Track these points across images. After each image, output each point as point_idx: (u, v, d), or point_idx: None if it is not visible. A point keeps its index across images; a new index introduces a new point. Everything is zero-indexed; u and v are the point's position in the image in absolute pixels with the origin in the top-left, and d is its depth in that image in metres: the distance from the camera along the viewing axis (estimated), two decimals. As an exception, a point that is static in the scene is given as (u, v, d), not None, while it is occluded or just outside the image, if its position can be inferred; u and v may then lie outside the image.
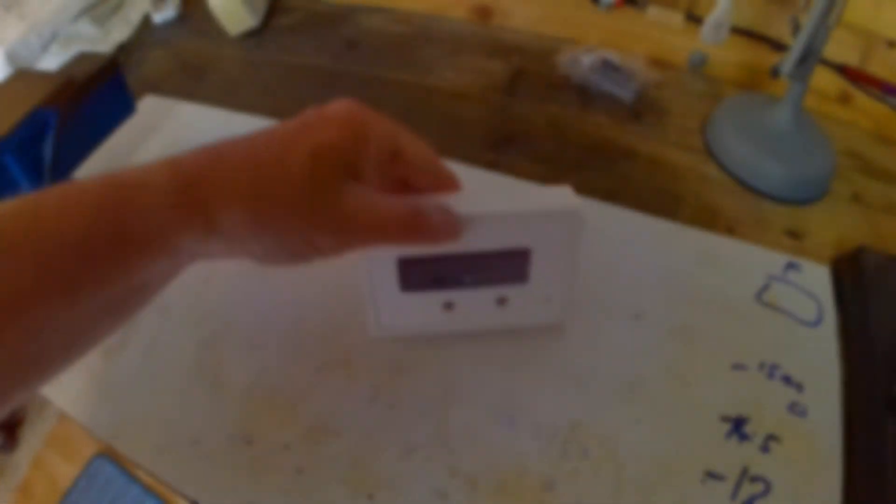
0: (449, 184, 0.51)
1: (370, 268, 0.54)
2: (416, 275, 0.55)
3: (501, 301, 0.58)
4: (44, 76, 0.78)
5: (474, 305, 0.58)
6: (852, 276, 0.70)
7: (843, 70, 0.98)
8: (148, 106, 0.92)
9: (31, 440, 1.96)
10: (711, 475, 0.56)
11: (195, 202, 0.39)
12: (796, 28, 0.78)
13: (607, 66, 0.95)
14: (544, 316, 0.60)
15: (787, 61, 0.79)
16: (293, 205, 0.40)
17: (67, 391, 0.61)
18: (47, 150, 0.74)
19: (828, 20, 0.76)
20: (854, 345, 0.65)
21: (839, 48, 0.98)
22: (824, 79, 0.94)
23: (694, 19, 1.03)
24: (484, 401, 0.59)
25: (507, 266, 0.55)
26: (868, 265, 0.70)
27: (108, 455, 1.88)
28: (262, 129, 0.44)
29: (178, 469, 0.56)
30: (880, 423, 0.58)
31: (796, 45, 0.78)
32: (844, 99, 0.97)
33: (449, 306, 0.58)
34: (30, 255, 0.35)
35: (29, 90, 0.74)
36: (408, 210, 0.45)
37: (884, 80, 0.97)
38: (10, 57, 1.05)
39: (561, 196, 0.54)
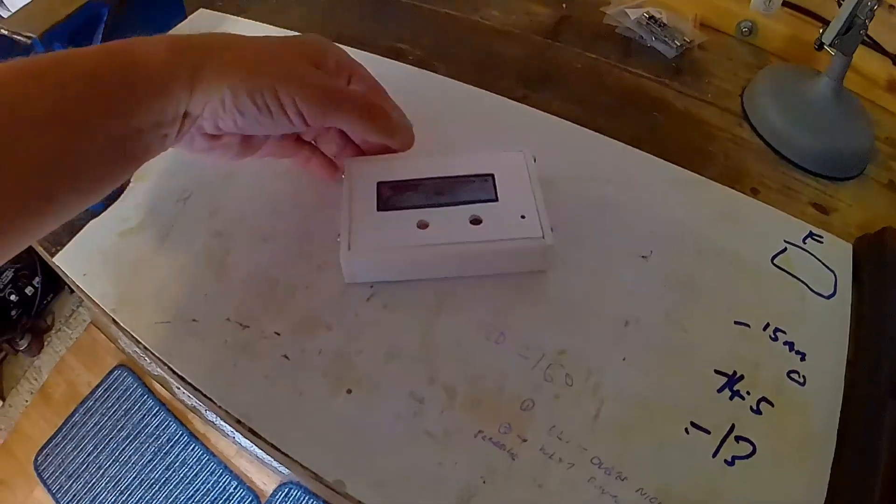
0: (403, 135, 0.61)
1: (351, 188, 0.61)
2: (392, 195, 0.60)
3: (475, 221, 0.58)
4: None
5: (449, 224, 0.58)
6: (874, 256, 0.68)
7: (893, 59, 0.95)
8: (199, 18, 0.93)
9: (57, 345, 2.00)
10: (696, 426, 0.55)
11: (188, 61, 0.47)
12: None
13: (654, 22, 0.93)
14: (524, 231, 0.58)
15: (830, 31, 0.76)
16: (280, 70, 0.50)
17: (80, 262, 0.64)
18: (96, 42, 0.76)
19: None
20: (866, 325, 0.63)
21: (891, 34, 0.95)
22: (875, 64, 0.91)
23: (748, -13, 1.00)
24: (475, 314, 0.59)
25: (477, 188, 0.60)
26: (891, 247, 0.68)
27: (129, 367, 1.91)
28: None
29: (171, 344, 0.58)
30: (880, 409, 0.56)
31: (840, 16, 0.75)
32: (893, 87, 0.94)
33: (424, 225, 0.58)
34: (53, 81, 0.42)
35: None
36: (369, 96, 0.58)
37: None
38: None
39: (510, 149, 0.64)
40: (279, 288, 0.61)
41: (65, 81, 0.42)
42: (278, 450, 0.52)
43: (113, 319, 0.61)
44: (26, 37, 0.74)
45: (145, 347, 0.58)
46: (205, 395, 0.55)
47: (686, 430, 0.55)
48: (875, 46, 0.94)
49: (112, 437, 1.83)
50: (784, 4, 0.97)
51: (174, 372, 0.57)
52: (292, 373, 0.56)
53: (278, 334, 0.58)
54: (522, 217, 0.58)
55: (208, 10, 0.95)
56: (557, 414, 0.54)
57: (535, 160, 0.62)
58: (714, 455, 0.54)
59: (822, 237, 0.69)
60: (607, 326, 0.60)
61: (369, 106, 0.55)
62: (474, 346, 0.58)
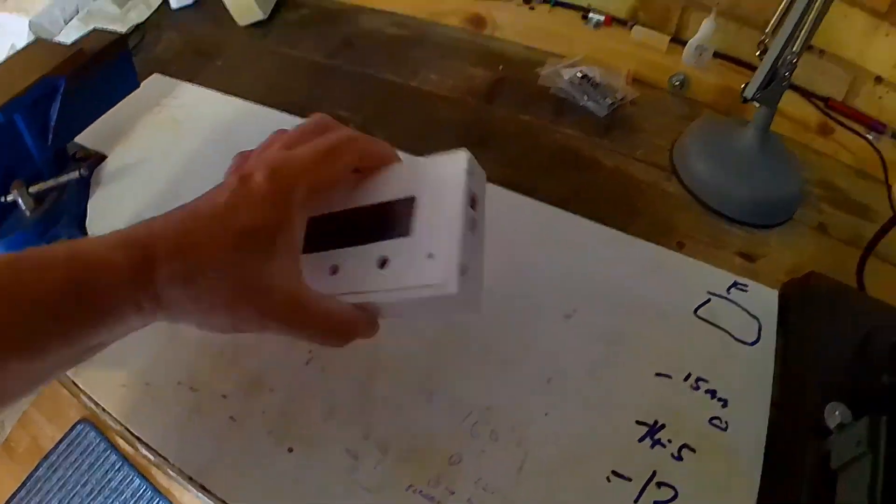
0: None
1: None
2: (314, 233, 0.52)
3: (383, 263, 0.49)
4: (57, 47, 0.86)
5: (357, 267, 0.51)
6: (800, 300, 0.72)
7: (826, 102, 1.00)
8: (152, 83, 0.99)
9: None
10: (617, 474, 0.58)
11: (145, 283, 0.44)
12: (763, 52, 0.81)
13: (586, 81, 0.98)
14: (429, 276, 0.47)
15: (751, 85, 0.81)
16: (224, 285, 0.45)
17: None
18: (53, 113, 0.81)
19: (792, 46, 0.78)
20: (790, 368, 0.66)
21: (826, 80, 1.00)
22: (806, 108, 0.96)
23: (679, 42, 1.06)
24: (407, 374, 0.63)
25: (392, 219, 0.51)
26: (817, 291, 0.72)
27: (92, 421, 1.94)
28: (203, 198, 0.48)
29: (128, 405, 0.63)
30: (802, 448, 0.59)
31: (760, 70, 0.80)
32: (825, 131, 0.99)
33: (335, 270, 0.52)
34: (7, 310, 0.40)
35: (43, 58, 0.83)
36: (335, 320, 0.49)
37: (867, 114, 1.00)
38: (34, 27, 1.13)
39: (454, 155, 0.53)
40: (225, 352, 0.66)
41: (19, 302, 0.41)
42: None
43: (73, 382, 0.66)
44: None
45: (103, 409, 0.63)
46: (160, 455, 0.60)
47: (608, 478, 0.58)
48: (805, 92, 0.99)
49: (76, 493, 1.84)
50: (715, 55, 1.03)
51: (130, 432, 0.61)
52: (239, 432, 0.60)
53: (225, 397, 0.63)
54: (430, 256, 0.47)
55: (161, 76, 1.00)
56: (483, 467, 0.58)
57: (473, 171, 0.53)
58: (636, 501, 0.57)
59: (746, 286, 0.73)
60: (531, 383, 0.63)
61: (337, 325, 0.50)
62: (406, 404, 0.61)
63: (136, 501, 1.83)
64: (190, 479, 0.58)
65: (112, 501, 1.84)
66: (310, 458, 0.58)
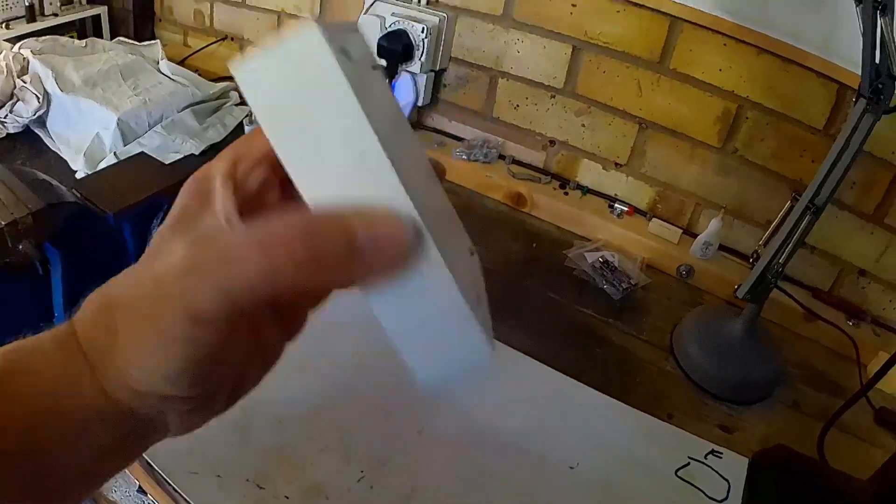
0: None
1: None
2: None
3: None
4: (163, 166, 1.13)
5: None
6: (765, 468, 0.94)
7: (813, 292, 1.25)
8: None
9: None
10: None
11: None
12: (756, 260, 1.06)
13: (606, 266, 1.24)
14: None
15: (743, 287, 1.06)
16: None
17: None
18: (154, 227, 1.01)
19: (779, 257, 1.02)
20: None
21: (815, 272, 1.25)
22: (796, 296, 1.19)
23: (690, 234, 1.32)
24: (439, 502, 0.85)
25: None
26: (780, 461, 0.95)
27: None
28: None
29: (199, 492, 0.80)
30: None
31: (751, 275, 1.04)
32: (810, 317, 1.22)
33: None
34: None
35: (151, 175, 1.07)
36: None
37: (850, 303, 1.24)
38: (122, 125, 1.35)
39: None
40: (291, 461, 0.84)
41: None
42: None
43: (149, 463, 0.79)
44: (101, 210, 1.00)
45: (174, 488, 0.79)
46: None
47: None
48: (795, 282, 1.24)
49: None
50: (720, 248, 1.29)
51: None
52: None
53: (287, 497, 0.81)
54: None
55: None
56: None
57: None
58: None
59: (721, 453, 0.96)
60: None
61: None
62: None
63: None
64: None
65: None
66: None
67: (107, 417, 0.34)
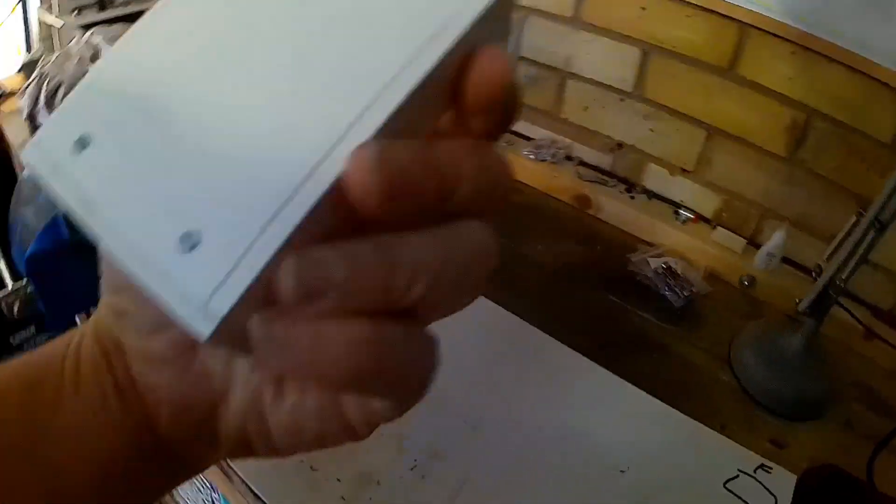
0: None
1: None
2: None
3: None
4: None
5: None
6: (813, 487, 0.95)
7: (873, 310, 1.24)
8: None
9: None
10: None
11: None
12: (818, 274, 1.05)
13: (668, 272, 1.24)
14: None
15: (804, 302, 1.06)
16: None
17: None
18: None
19: (843, 273, 1.02)
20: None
21: (876, 290, 1.24)
22: (857, 314, 1.17)
23: (754, 245, 1.31)
24: (489, 496, 0.86)
25: None
26: (829, 481, 0.96)
27: None
28: None
29: (251, 467, 0.82)
30: None
31: (813, 289, 1.04)
32: (869, 336, 1.21)
33: None
34: None
35: None
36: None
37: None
38: None
39: None
40: (345, 445, 0.89)
41: None
42: None
43: None
44: None
45: (228, 464, 0.82)
46: None
47: None
48: (855, 299, 1.23)
49: None
50: (783, 261, 1.28)
51: (250, 489, 0.80)
52: None
53: (339, 480, 0.84)
54: None
55: None
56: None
57: None
58: None
59: (771, 468, 0.97)
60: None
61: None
62: None
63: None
64: None
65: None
66: None
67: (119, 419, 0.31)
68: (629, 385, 1.05)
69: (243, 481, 0.81)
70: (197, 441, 0.32)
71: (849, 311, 1.13)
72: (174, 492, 2.00)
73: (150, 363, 0.31)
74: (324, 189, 0.21)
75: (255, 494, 0.81)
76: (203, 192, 0.22)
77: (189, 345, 0.30)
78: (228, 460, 0.81)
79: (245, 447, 0.32)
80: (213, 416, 0.31)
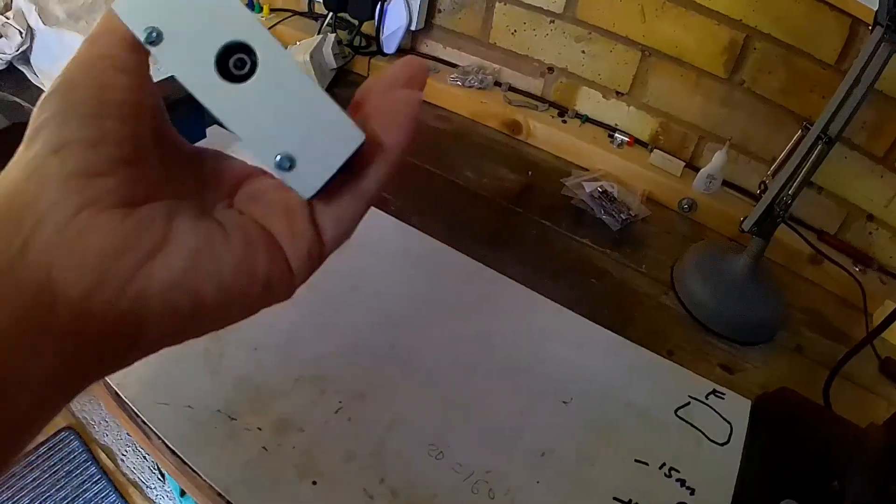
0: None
1: None
2: None
3: None
4: None
5: None
6: (769, 411, 0.88)
7: (819, 234, 1.18)
8: (216, 133, 1.13)
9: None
10: (594, 541, 0.74)
11: None
12: (763, 191, 0.99)
13: (605, 196, 1.16)
14: None
15: (749, 219, 0.99)
16: None
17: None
18: None
19: (788, 189, 0.95)
20: (754, 468, 0.82)
21: (821, 214, 1.19)
22: (800, 239, 1.13)
23: (693, 168, 1.25)
24: (421, 434, 0.78)
25: None
26: (786, 404, 0.89)
27: (76, 431, 2.07)
28: None
29: (169, 422, 0.75)
30: None
31: (758, 206, 0.98)
32: (816, 261, 1.16)
33: None
34: None
35: None
36: None
37: (857, 249, 1.17)
38: None
39: None
40: (264, 391, 0.80)
41: None
42: None
43: (117, 394, 0.76)
44: None
45: (143, 421, 0.75)
46: (192, 470, 0.72)
47: (585, 543, 0.74)
48: (800, 223, 1.17)
49: (49, 496, 1.93)
50: (724, 184, 1.21)
51: (167, 446, 0.73)
52: (268, 462, 0.72)
53: (260, 429, 0.76)
54: None
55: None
56: (481, 522, 0.74)
57: None
58: (607, 566, 0.73)
59: (723, 394, 0.90)
60: (527, 455, 0.79)
61: None
62: (418, 458, 0.77)
63: (109, 517, 1.95)
64: (218, 495, 0.70)
65: (85, 512, 1.96)
66: (330, 492, 0.72)
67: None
68: (569, 312, 0.97)
69: (160, 437, 0.74)
70: (112, 315, 0.29)
71: (796, 231, 1.07)
72: (120, 460, 1.96)
73: (89, 205, 0.28)
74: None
75: (172, 451, 0.74)
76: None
77: (130, 182, 0.30)
78: (144, 418, 0.74)
79: (170, 316, 0.30)
80: (140, 276, 0.29)
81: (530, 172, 1.26)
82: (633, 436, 0.84)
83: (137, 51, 0.31)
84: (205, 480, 0.71)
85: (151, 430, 0.75)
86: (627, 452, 0.82)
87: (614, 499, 0.77)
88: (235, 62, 0.29)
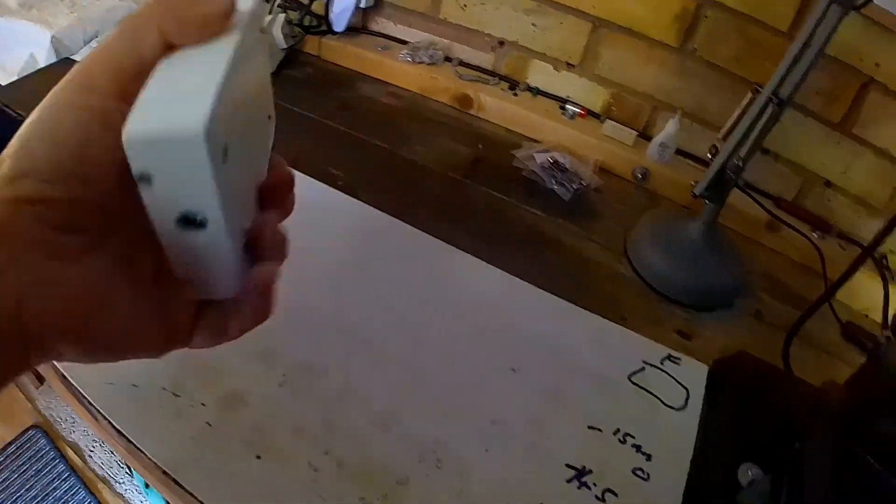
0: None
1: None
2: None
3: None
4: None
5: None
6: (728, 374, 0.86)
7: (776, 202, 1.16)
8: None
9: (-28, 398, 2.10)
10: (546, 509, 0.72)
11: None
12: (714, 154, 0.97)
13: (556, 166, 1.14)
14: None
15: (701, 184, 0.97)
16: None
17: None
18: None
19: (740, 152, 0.93)
20: (712, 432, 0.80)
21: (778, 181, 1.17)
22: (757, 206, 1.12)
23: (646, 138, 1.22)
24: (368, 405, 0.76)
25: None
26: (744, 368, 0.87)
27: (44, 429, 2.03)
28: None
29: (114, 404, 0.73)
30: (716, 502, 0.73)
31: (710, 170, 0.96)
32: (773, 227, 1.15)
33: None
34: None
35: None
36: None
37: (815, 215, 1.16)
38: (56, 42, 1.25)
39: None
40: (209, 367, 0.77)
41: None
42: (196, 499, 0.67)
43: (63, 376, 0.75)
44: (17, 114, 0.95)
45: (90, 402, 0.73)
46: (138, 449, 0.69)
47: (537, 511, 0.72)
48: (757, 191, 1.15)
49: (19, 496, 1.91)
50: (678, 153, 1.19)
51: (114, 426, 0.71)
52: (214, 438, 0.71)
53: (204, 405, 0.74)
54: None
55: None
56: (427, 490, 0.70)
57: None
58: (562, 533, 0.71)
59: (679, 359, 0.88)
60: (476, 423, 0.77)
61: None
62: (365, 429, 0.74)
63: (79, 513, 1.93)
64: (164, 473, 0.68)
65: (55, 509, 1.93)
66: (276, 466, 0.70)
67: None
68: (520, 281, 0.95)
69: (106, 418, 0.72)
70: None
71: (751, 196, 1.05)
72: (88, 456, 1.93)
73: (53, 258, 0.31)
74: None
75: (118, 430, 0.71)
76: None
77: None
78: (90, 399, 0.73)
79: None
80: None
81: (481, 146, 1.23)
82: (585, 402, 0.81)
83: (129, 103, 0.31)
84: (151, 459, 0.69)
85: (98, 411, 0.72)
86: (580, 419, 0.80)
87: (567, 466, 0.75)
88: (193, 219, 0.34)
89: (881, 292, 1.00)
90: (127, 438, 0.70)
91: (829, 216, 1.17)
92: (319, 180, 1.04)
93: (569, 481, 0.74)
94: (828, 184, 1.16)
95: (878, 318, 1.01)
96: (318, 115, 1.24)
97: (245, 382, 0.77)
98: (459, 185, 1.13)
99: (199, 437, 0.71)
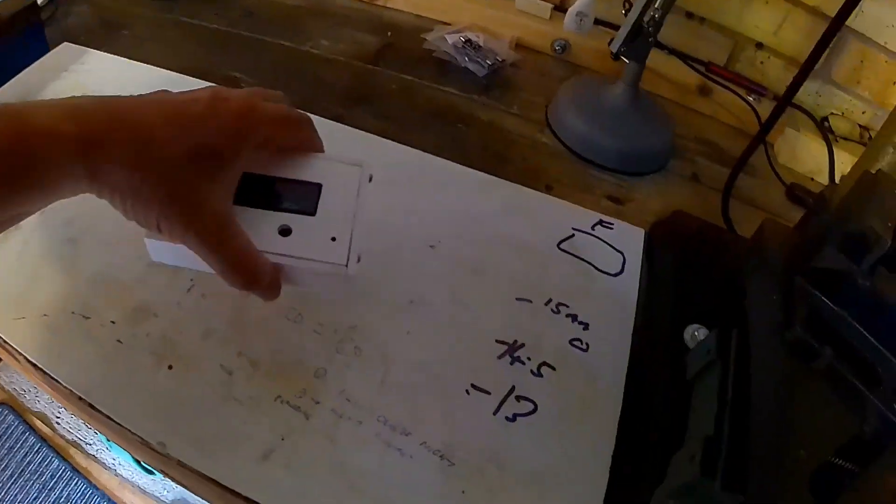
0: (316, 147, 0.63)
1: None
2: None
3: (284, 231, 0.58)
4: None
5: (257, 228, 0.57)
6: (666, 236, 0.81)
7: (707, 66, 1.10)
8: (61, 51, 1.01)
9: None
10: (477, 388, 0.65)
11: (89, 159, 0.46)
12: (628, 10, 0.90)
13: (469, 45, 1.06)
14: (327, 254, 0.58)
15: (617, 39, 0.90)
16: (165, 187, 0.49)
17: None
18: None
19: (655, 3, 0.86)
20: (655, 296, 0.75)
21: (707, 46, 1.10)
22: (687, 72, 1.06)
23: (562, 10, 1.15)
24: (279, 299, 0.69)
25: (300, 196, 0.60)
26: (683, 228, 0.81)
27: (10, 405, 1.97)
28: (170, 99, 0.53)
29: (24, 336, 0.67)
30: (663, 367, 0.67)
31: (625, 25, 0.89)
32: (705, 91, 1.09)
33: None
34: None
35: None
36: (248, 267, 0.54)
37: (747, 78, 1.10)
38: None
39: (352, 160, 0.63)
40: (117, 284, 0.71)
41: None
42: (112, 420, 0.62)
43: None
44: None
45: (4, 341, 0.67)
46: (52, 378, 0.64)
47: (467, 391, 0.64)
48: (686, 57, 1.09)
49: None
50: (597, 22, 1.12)
51: (28, 361, 0.65)
52: (124, 355, 0.65)
53: (114, 322, 0.67)
54: (333, 239, 0.58)
55: (70, 44, 1.04)
56: (347, 380, 0.64)
57: (371, 179, 0.63)
58: (495, 413, 0.63)
59: (612, 224, 0.81)
60: (394, 305, 0.70)
61: (236, 273, 0.55)
62: (276, 325, 0.68)
63: (55, 483, 1.87)
64: (80, 399, 0.63)
65: (32, 484, 1.87)
66: (188, 374, 0.64)
67: (75, 191, 0.49)
68: (434, 157, 0.87)
69: (22, 354, 0.67)
70: None
71: (677, 54, 0.99)
72: (56, 423, 1.86)
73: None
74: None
75: (33, 363, 0.66)
76: None
77: None
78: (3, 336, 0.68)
79: None
80: None
81: (390, 33, 1.15)
82: (511, 274, 0.75)
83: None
84: (66, 387, 0.64)
85: (10, 345, 0.67)
86: (507, 291, 0.73)
87: (497, 341, 0.69)
88: None
89: (826, 156, 0.97)
90: (42, 371, 0.65)
91: (761, 78, 1.11)
92: (221, 84, 0.96)
93: (500, 357, 0.68)
94: (759, 45, 1.10)
95: (824, 180, 0.98)
96: (223, 25, 1.15)
97: (153, 294, 0.71)
98: (366, 72, 1.06)
99: (110, 357, 0.65)
